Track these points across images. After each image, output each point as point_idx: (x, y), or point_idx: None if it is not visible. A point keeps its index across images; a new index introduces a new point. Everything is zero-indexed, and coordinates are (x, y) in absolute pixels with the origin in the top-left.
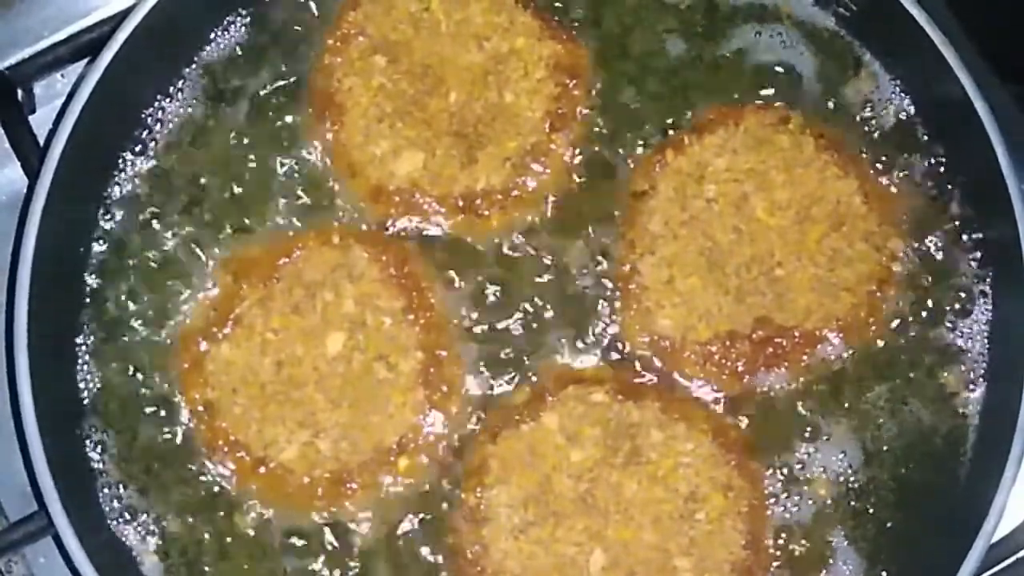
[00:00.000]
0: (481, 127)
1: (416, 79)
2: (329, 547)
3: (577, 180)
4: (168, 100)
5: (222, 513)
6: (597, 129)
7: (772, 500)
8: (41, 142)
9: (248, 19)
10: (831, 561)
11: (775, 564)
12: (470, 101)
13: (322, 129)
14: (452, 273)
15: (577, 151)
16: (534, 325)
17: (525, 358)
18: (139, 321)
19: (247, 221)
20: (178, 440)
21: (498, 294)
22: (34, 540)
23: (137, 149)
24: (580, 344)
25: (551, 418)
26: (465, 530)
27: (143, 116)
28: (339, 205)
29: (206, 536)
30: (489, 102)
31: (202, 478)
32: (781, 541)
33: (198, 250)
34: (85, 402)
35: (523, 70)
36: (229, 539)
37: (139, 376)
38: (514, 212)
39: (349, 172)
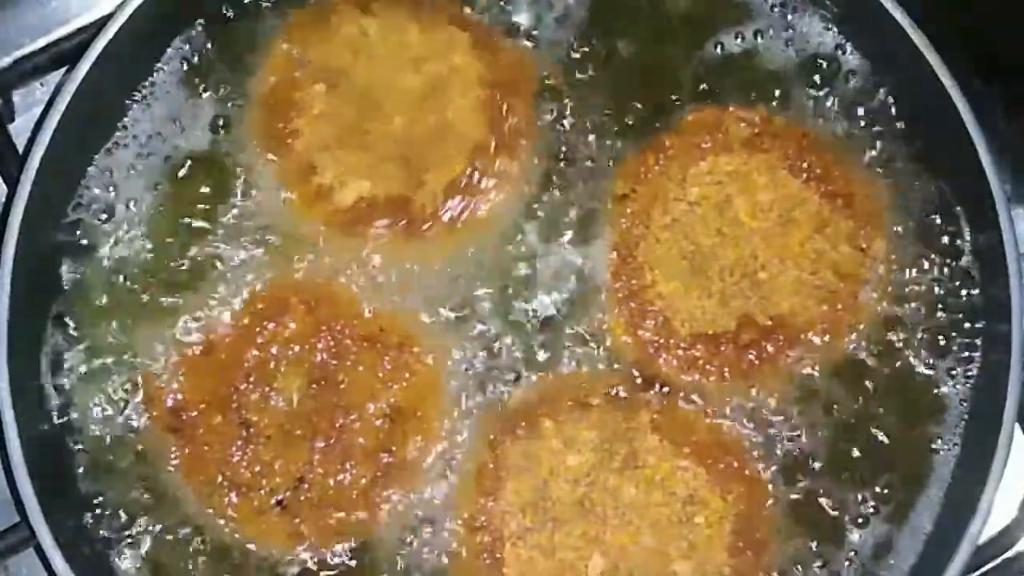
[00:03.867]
0: (427, 150)
1: (358, 105)
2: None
3: (531, 191)
4: (144, 108)
5: (198, 528)
6: (559, 138)
7: (771, 502)
8: (20, 150)
9: (203, 35)
10: (825, 563)
11: (774, 567)
12: (413, 124)
13: (269, 160)
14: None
15: (539, 162)
16: (523, 332)
17: (518, 365)
18: (115, 334)
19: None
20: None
21: (481, 304)
22: (16, 552)
23: (116, 156)
24: (571, 349)
25: (547, 423)
26: (463, 537)
27: (122, 123)
28: (295, 235)
29: (187, 551)
30: (432, 124)
31: (179, 494)
32: (779, 544)
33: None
34: (67, 413)
35: (463, 89)
36: (205, 550)
37: (118, 392)
38: (468, 231)
39: (300, 203)
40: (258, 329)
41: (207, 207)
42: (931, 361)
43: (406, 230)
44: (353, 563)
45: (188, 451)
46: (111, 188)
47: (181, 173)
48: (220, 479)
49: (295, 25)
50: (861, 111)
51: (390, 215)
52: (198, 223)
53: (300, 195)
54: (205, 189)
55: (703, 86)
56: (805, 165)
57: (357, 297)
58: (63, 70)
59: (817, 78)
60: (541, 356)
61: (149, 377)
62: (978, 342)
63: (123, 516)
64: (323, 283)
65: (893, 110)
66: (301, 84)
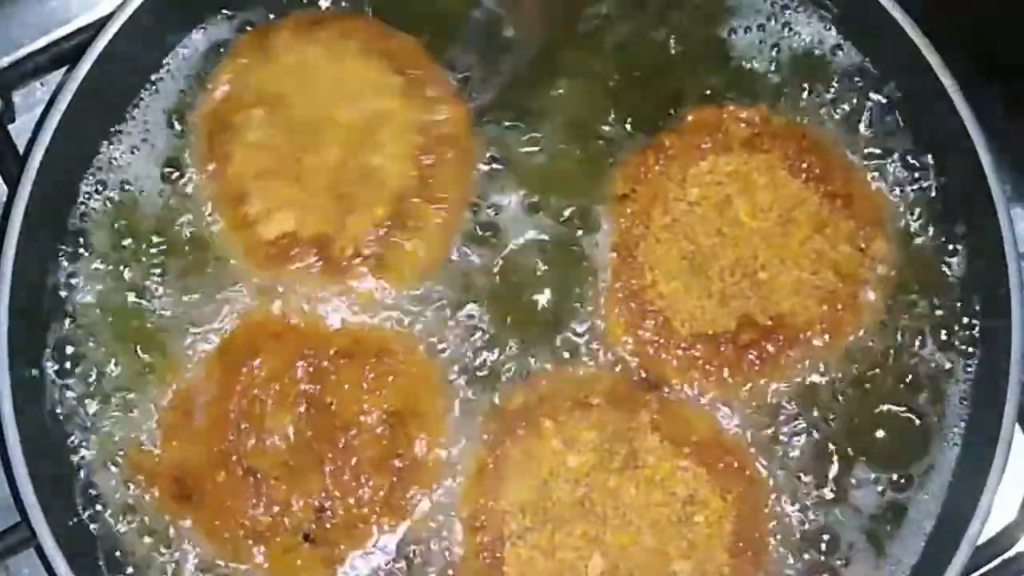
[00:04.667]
0: (354, 188)
1: (293, 134)
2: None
3: (450, 251)
4: (148, 109)
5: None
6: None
7: (771, 501)
8: (20, 150)
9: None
10: (825, 562)
11: (773, 567)
12: (346, 162)
13: (206, 181)
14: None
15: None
16: (523, 331)
17: (518, 365)
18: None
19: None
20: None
21: (483, 304)
22: (16, 552)
23: (116, 157)
24: (570, 349)
25: (547, 423)
26: (463, 538)
27: (123, 124)
28: (222, 262)
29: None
30: (363, 163)
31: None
32: (779, 543)
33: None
34: (68, 413)
35: (397, 133)
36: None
37: (116, 391)
38: (390, 273)
39: (227, 230)
40: (232, 377)
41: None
42: (930, 361)
43: (324, 269)
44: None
45: (202, 515)
46: (114, 189)
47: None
48: (242, 533)
49: (244, 44)
50: (861, 111)
51: (310, 253)
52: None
53: (228, 221)
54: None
55: (702, 85)
56: (805, 165)
57: (319, 317)
58: (63, 70)
59: (817, 78)
60: (543, 356)
61: (141, 456)
62: (978, 342)
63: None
64: (279, 313)
65: (893, 110)
66: (240, 107)
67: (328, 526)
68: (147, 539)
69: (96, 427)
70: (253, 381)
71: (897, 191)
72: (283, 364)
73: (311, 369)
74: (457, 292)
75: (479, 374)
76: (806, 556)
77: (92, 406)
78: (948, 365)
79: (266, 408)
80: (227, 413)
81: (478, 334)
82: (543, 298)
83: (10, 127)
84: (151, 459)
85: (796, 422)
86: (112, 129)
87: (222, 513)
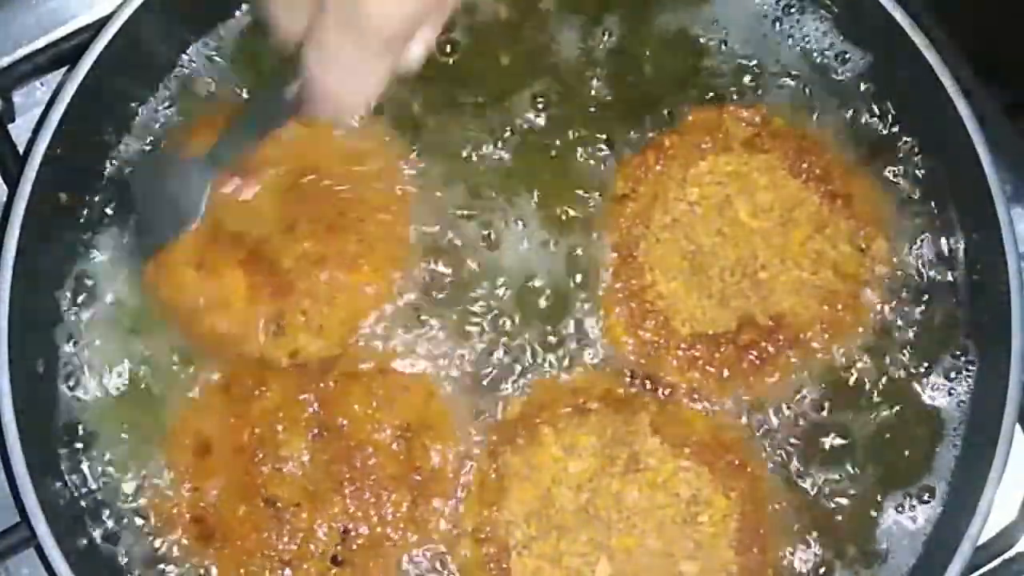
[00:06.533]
0: None
1: None
2: None
3: None
4: (148, 108)
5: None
6: None
7: (774, 499)
8: (20, 150)
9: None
10: (827, 559)
11: (778, 564)
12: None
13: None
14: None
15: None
16: (520, 338)
17: (515, 372)
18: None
19: None
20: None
21: (480, 309)
22: (16, 552)
23: (117, 156)
24: (567, 353)
25: (546, 431)
26: (469, 550)
27: (123, 123)
28: None
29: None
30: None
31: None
32: (783, 541)
33: None
34: (67, 414)
35: None
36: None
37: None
38: None
39: None
40: (240, 409)
41: None
42: (931, 360)
43: None
44: None
45: (227, 552)
46: (115, 189)
47: None
48: (269, 565)
49: None
50: (860, 111)
51: None
52: None
53: None
54: None
55: (702, 86)
56: (805, 165)
57: None
58: (63, 70)
59: (817, 78)
60: (539, 361)
61: (159, 505)
62: (978, 342)
63: (125, 512)
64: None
65: (892, 110)
66: None
67: (354, 547)
68: None
69: (99, 433)
70: (262, 411)
71: (897, 191)
72: (290, 390)
73: (319, 393)
74: (450, 299)
75: (480, 383)
76: (809, 554)
77: (93, 405)
78: (948, 364)
79: (278, 435)
80: (239, 445)
81: (476, 339)
82: (542, 300)
83: (10, 127)
84: (168, 503)
85: (796, 421)
86: (113, 129)
87: (247, 547)
